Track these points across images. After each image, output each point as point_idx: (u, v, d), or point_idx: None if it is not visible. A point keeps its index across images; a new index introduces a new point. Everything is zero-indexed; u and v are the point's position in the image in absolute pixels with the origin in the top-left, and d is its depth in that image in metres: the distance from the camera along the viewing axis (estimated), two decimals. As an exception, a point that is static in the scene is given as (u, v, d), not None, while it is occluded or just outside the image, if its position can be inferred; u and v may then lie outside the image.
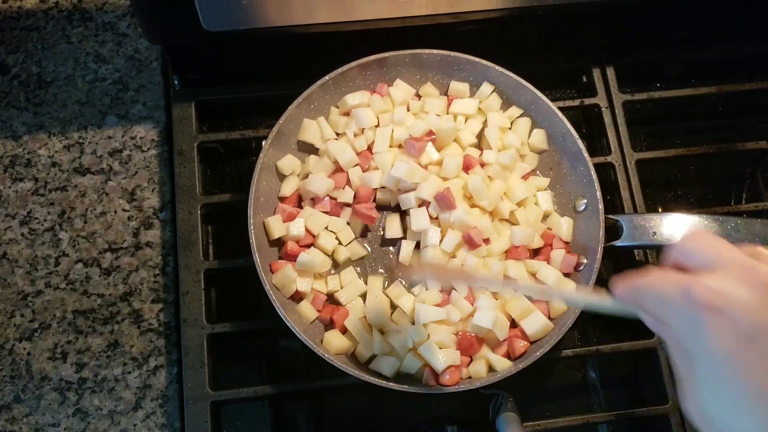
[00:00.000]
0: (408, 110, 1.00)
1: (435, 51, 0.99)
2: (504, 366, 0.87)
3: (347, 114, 0.99)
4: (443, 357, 0.85)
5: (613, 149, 1.03)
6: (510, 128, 1.00)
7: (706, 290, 0.48)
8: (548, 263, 0.93)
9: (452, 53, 0.99)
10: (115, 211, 0.99)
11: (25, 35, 1.07)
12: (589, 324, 1.02)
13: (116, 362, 0.93)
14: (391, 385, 0.84)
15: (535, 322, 0.88)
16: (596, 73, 1.08)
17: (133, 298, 0.95)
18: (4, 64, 1.05)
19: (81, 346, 0.93)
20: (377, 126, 0.98)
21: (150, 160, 1.02)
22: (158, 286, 0.96)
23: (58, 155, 1.01)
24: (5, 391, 0.91)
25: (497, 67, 0.99)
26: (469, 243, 0.91)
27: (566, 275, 0.92)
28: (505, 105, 1.01)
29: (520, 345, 0.88)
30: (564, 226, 0.95)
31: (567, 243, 0.95)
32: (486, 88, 1.00)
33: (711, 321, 0.47)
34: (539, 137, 0.99)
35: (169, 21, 0.92)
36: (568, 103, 1.05)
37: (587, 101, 1.06)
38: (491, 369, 0.88)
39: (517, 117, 1.00)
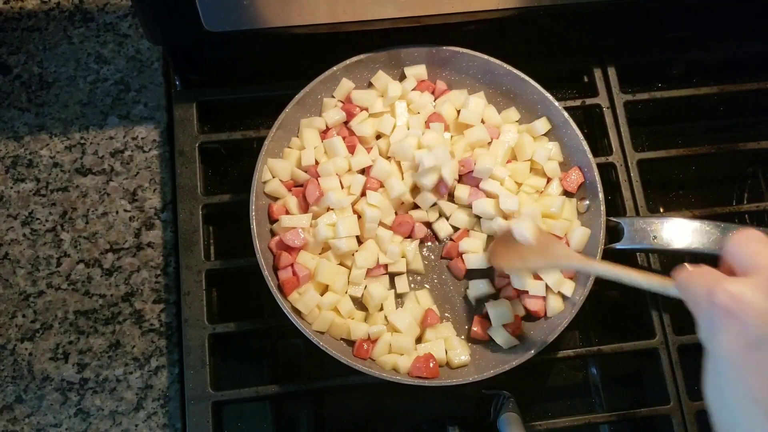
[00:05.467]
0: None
1: (446, 47, 0.99)
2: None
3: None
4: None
5: (614, 149, 1.03)
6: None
7: (726, 293, 0.51)
8: None
9: (466, 50, 0.99)
10: (117, 212, 0.99)
11: (26, 36, 1.07)
12: (590, 324, 1.02)
13: (118, 362, 0.93)
14: (395, 378, 0.85)
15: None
16: (597, 73, 1.08)
17: (135, 299, 0.96)
18: (5, 64, 1.06)
19: (82, 346, 0.93)
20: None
21: (151, 160, 1.02)
22: (159, 286, 0.96)
23: (59, 156, 1.02)
24: (7, 392, 0.91)
25: (505, 65, 0.99)
26: None
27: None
28: (513, 104, 1.01)
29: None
30: (576, 236, 0.93)
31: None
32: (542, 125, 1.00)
33: (724, 322, 0.51)
34: (554, 150, 0.98)
35: (171, 22, 0.92)
36: (570, 103, 1.05)
37: (588, 101, 1.06)
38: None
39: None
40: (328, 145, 0.95)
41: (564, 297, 0.92)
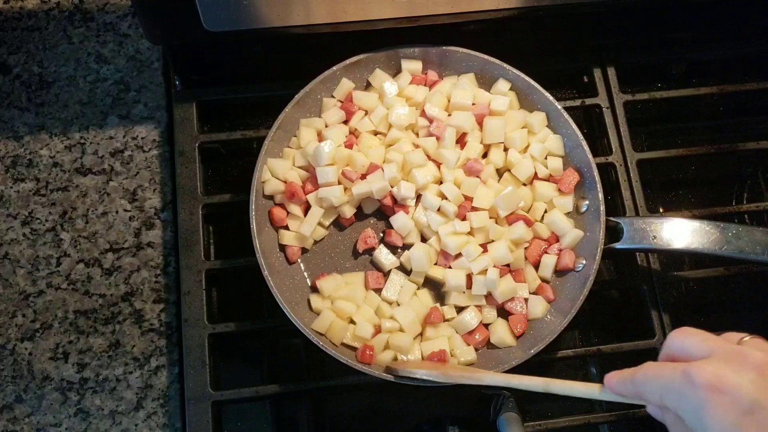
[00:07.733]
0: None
1: (445, 47, 0.99)
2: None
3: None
4: None
5: (614, 149, 1.03)
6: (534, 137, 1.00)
7: (705, 372, 0.54)
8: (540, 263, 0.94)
9: (466, 50, 0.99)
10: (117, 212, 0.99)
11: (26, 36, 1.07)
12: (590, 324, 1.02)
13: (117, 362, 0.93)
14: (394, 378, 0.85)
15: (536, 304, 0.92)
16: (597, 74, 1.08)
17: (135, 298, 0.96)
18: (5, 64, 1.06)
19: (82, 346, 0.93)
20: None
21: (151, 160, 1.02)
22: (159, 286, 0.96)
23: (59, 155, 1.02)
24: (7, 391, 0.91)
25: (504, 65, 0.99)
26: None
27: (564, 273, 0.94)
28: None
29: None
30: (569, 237, 0.94)
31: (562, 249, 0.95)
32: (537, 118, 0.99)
33: (712, 399, 0.53)
34: (557, 143, 0.98)
35: (171, 21, 0.92)
36: (569, 103, 1.05)
37: (588, 101, 1.06)
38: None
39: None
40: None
41: (549, 302, 0.93)
